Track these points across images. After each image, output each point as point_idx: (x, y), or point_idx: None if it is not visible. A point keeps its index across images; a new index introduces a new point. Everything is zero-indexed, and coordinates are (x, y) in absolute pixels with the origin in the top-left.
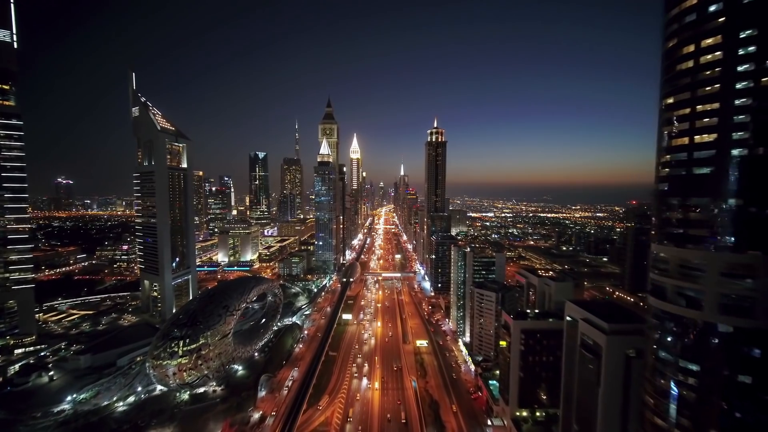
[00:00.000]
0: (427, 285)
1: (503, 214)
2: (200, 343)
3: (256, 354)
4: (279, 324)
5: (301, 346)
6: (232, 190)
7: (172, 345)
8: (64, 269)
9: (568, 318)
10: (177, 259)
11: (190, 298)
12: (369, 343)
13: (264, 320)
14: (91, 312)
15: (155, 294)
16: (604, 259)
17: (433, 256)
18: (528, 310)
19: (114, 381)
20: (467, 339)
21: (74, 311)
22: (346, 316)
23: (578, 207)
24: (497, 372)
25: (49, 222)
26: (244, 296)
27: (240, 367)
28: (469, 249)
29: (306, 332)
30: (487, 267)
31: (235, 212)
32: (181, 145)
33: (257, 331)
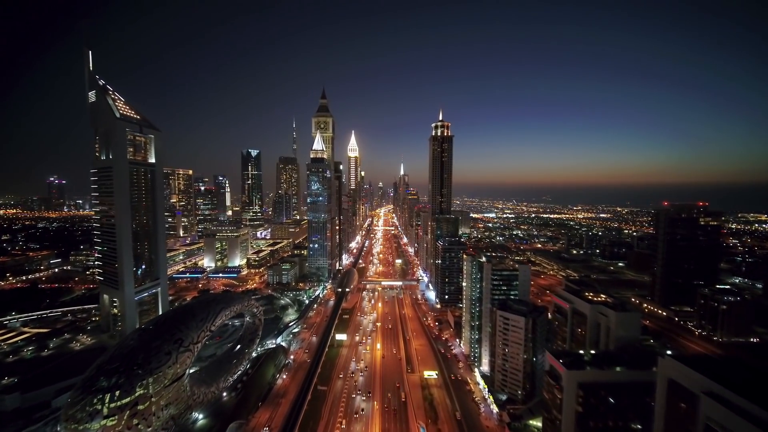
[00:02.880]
0: (431, 295)
1: (505, 215)
2: (137, 394)
3: (224, 394)
4: (259, 350)
5: (284, 376)
6: (228, 190)
7: (94, 401)
8: (33, 276)
9: (666, 379)
10: (142, 268)
11: (159, 314)
12: (366, 372)
13: (238, 347)
14: (46, 330)
15: (115, 311)
16: (621, 264)
17: (439, 261)
18: (581, 351)
19: (43, 430)
20: (485, 369)
21: (27, 329)
22: (341, 336)
23: (579, 207)
24: (531, 422)
25: (34, 223)
26: (207, 323)
27: (201, 415)
28: (485, 259)
29: (292, 357)
30: (508, 282)
31: (230, 213)
32: (147, 136)
33: (228, 362)
